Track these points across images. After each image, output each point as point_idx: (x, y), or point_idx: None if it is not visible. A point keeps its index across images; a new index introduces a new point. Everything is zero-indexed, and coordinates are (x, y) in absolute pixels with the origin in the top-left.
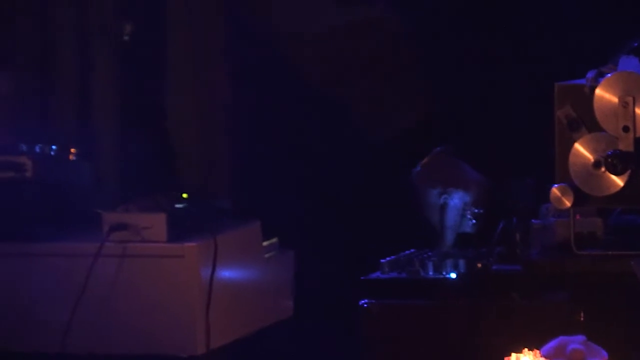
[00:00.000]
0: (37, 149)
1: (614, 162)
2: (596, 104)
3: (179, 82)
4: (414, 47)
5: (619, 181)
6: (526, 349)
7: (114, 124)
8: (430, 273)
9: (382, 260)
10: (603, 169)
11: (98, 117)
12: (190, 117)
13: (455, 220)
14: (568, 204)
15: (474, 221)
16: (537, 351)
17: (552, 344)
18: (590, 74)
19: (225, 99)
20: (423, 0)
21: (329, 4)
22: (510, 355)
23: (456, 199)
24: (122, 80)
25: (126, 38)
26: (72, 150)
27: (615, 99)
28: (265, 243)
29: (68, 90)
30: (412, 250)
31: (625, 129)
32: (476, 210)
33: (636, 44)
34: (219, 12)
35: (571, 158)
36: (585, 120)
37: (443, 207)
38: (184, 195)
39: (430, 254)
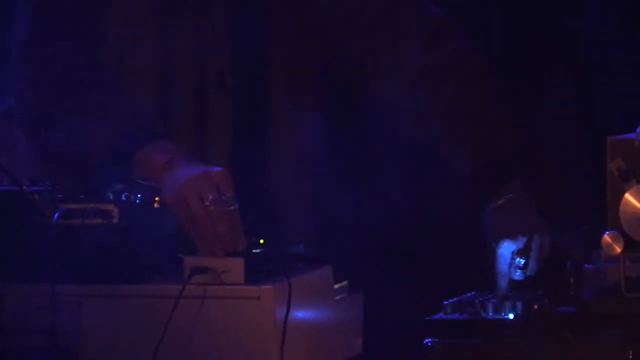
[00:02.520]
0: (123, 197)
1: None
2: None
3: (279, 132)
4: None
5: None
6: None
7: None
8: (490, 314)
9: (445, 302)
10: None
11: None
12: (287, 166)
13: (503, 268)
14: (619, 250)
15: (519, 272)
16: None
17: None
18: None
19: (312, 147)
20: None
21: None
22: None
23: (503, 248)
24: (234, 127)
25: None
26: (157, 198)
27: None
28: (336, 286)
29: (183, 134)
30: (473, 292)
31: None
32: (522, 261)
33: None
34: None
35: (622, 207)
36: (636, 172)
37: (493, 255)
38: (261, 241)
39: (490, 296)
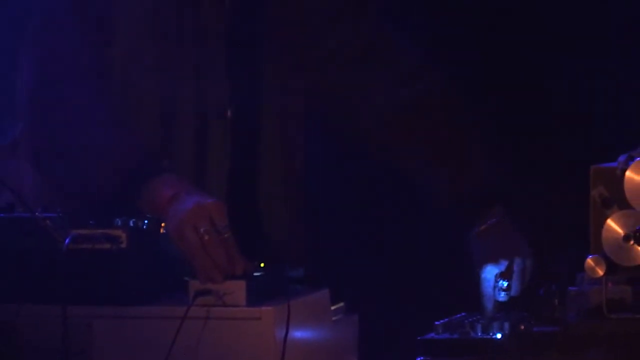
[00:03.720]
0: (131, 223)
1: None
2: (626, 185)
3: (270, 165)
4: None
5: None
6: None
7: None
8: (479, 334)
9: (436, 323)
10: (632, 242)
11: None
12: (279, 199)
13: (488, 291)
14: (601, 273)
15: (503, 294)
16: None
17: None
18: (621, 158)
19: (300, 179)
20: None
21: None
22: None
23: (487, 272)
24: (231, 160)
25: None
26: (162, 224)
27: None
28: (332, 307)
29: (184, 164)
30: (463, 313)
31: None
32: (505, 283)
33: None
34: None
35: (604, 232)
36: (617, 199)
37: (478, 279)
38: (261, 265)
39: (479, 317)
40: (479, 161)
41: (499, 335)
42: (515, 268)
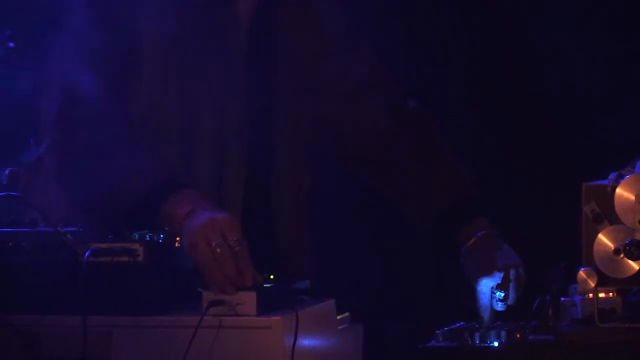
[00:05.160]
0: (148, 237)
1: (631, 249)
2: (617, 201)
3: (283, 191)
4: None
5: (635, 266)
6: None
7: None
8: (477, 342)
9: (437, 331)
10: (622, 255)
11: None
12: (290, 211)
13: (484, 303)
14: (592, 284)
15: (501, 304)
16: None
17: None
18: (612, 176)
19: (309, 194)
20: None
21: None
22: None
23: (482, 285)
24: (247, 176)
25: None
26: (177, 238)
27: (632, 197)
28: (338, 317)
29: (202, 180)
30: (462, 322)
31: None
32: (502, 294)
33: None
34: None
35: (595, 246)
36: (608, 214)
37: (474, 292)
38: (271, 277)
39: (477, 326)
40: (463, 175)
41: (496, 344)
42: (510, 277)
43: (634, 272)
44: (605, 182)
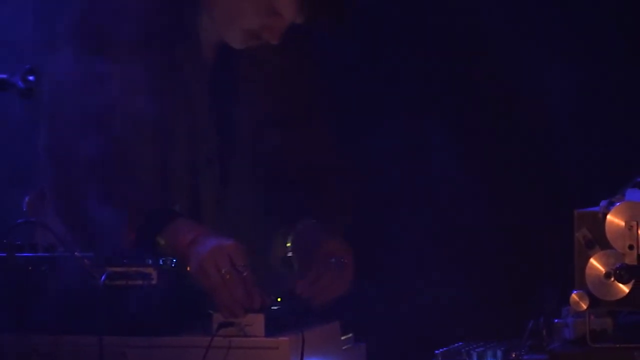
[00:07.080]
0: (161, 262)
1: (622, 273)
2: (607, 227)
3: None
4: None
5: (625, 289)
6: None
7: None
8: None
9: (436, 352)
10: (613, 279)
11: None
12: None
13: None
14: (584, 306)
15: None
16: None
17: None
18: (603, 203)
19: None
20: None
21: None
22: None
23: None
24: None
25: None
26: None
27: (622, 223)
28: (343, 337)
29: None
30: (460, 342)
31: (631, 247)
32: None
33: (639, 179)
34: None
35: (587, 270)
36: (599, 240)
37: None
38: (278, 299)
39: (474, 345)
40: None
41: None
42: None
43: (624, 294)
44: (596, 208)
